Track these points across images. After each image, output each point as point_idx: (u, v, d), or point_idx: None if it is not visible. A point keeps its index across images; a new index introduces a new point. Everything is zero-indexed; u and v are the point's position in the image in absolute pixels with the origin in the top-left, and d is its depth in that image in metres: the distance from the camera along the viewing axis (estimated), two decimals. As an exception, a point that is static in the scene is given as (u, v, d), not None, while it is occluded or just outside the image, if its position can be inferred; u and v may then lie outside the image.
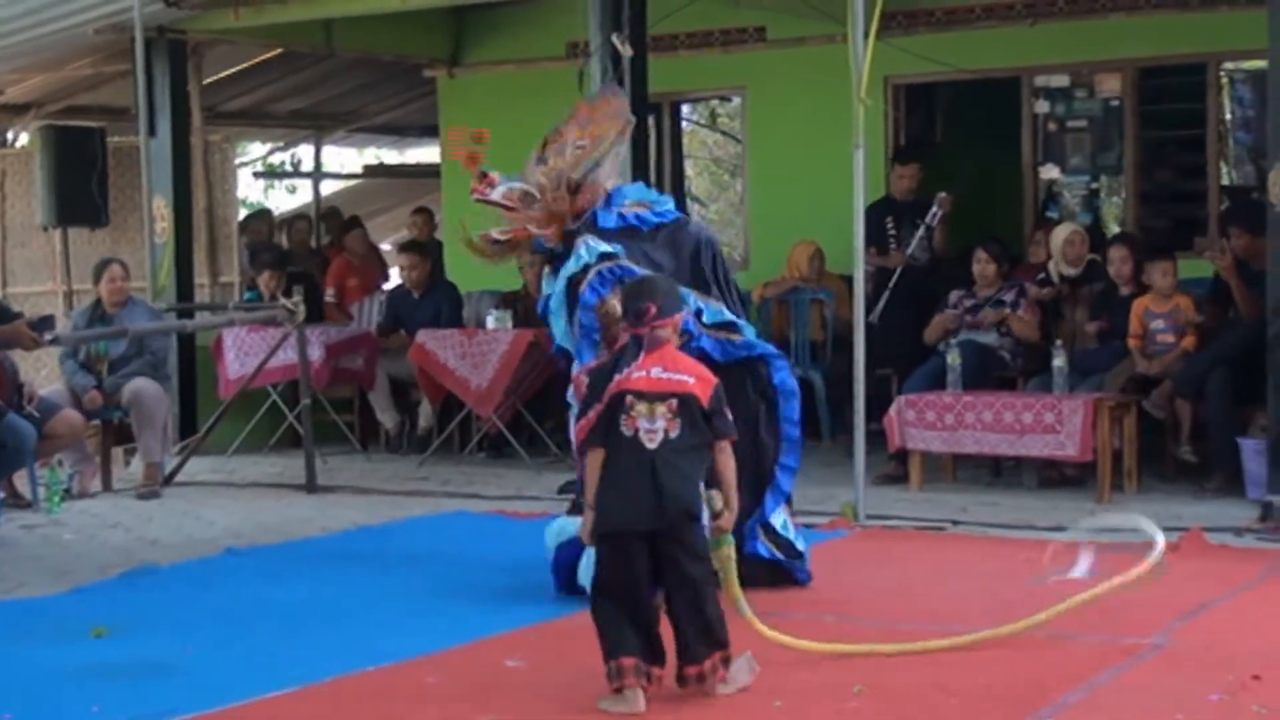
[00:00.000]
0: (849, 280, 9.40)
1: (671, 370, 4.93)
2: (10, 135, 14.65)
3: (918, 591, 6.60)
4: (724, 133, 19.22)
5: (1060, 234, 10.23)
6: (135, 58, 11.05)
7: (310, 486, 9.78)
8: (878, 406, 9.05)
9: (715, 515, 5.00)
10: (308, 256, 13.50)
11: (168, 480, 9.98)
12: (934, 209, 10.26)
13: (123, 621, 6.18)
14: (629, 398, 4.90)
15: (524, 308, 10.97)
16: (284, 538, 8.19)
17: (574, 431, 5.10)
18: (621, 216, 6.55)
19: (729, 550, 5.12)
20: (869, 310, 9.10)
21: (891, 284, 10.11)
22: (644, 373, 4.93)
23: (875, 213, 10.42)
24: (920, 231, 10.29)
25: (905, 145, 11.26)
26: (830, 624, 5.96)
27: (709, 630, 4.87)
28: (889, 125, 11.69)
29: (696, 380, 4.94)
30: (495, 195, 6.49)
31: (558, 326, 6.51)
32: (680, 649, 4.88)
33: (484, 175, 6.55)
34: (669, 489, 4.81)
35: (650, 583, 4.88)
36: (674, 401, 4.88)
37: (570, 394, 6.31)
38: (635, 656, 4.78)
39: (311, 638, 5.96)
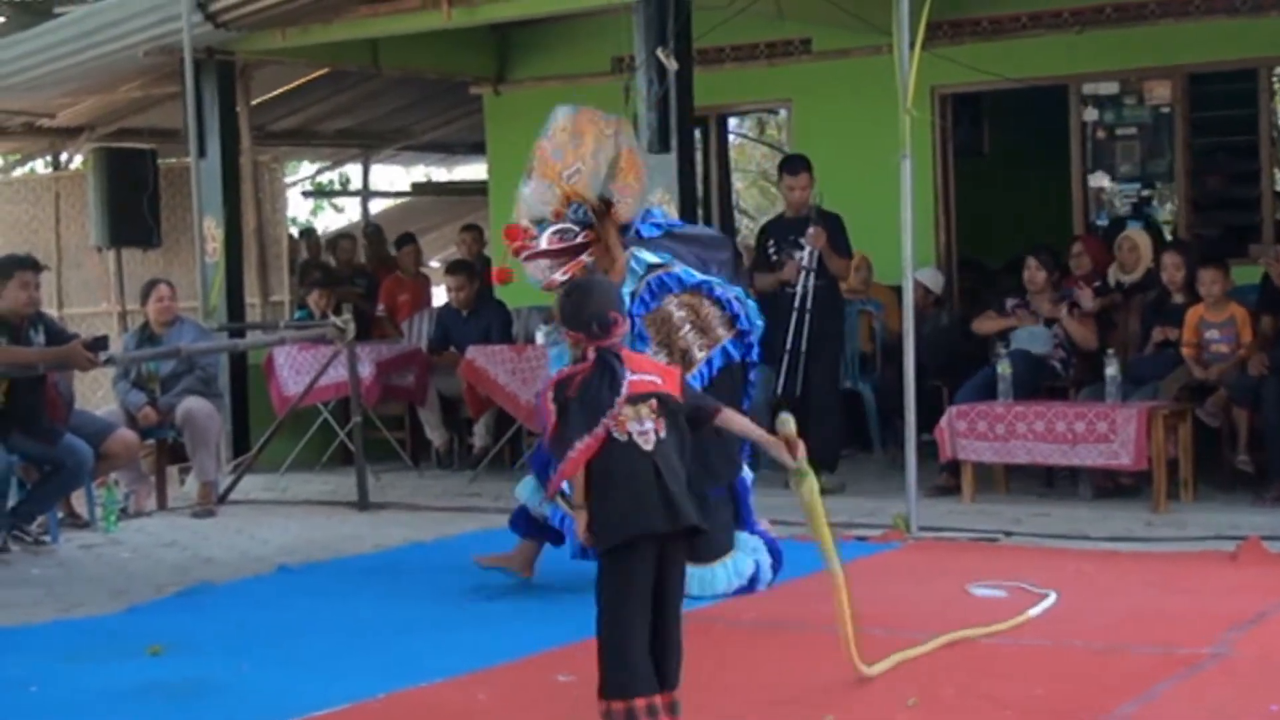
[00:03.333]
0: (898, 291, 9.39)
1: (640, 372, 4.69)
2: (64, 158, 14.80)
3: (970, 604, 6.56)
4: (770, 145, 19.21)
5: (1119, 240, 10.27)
6: (184, 79, 11.13)
7: (362, 504, 9.82)
8: (928, 418, 9.02)
9: (790, 439, 4.91)
10: (354, 275, 13.58)
11: (222, 498, 10.04)
12: (807, 248, 9.44)
13: (178, 640, 6.22)
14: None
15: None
16: (336, 555, 8.22)
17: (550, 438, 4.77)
18: (657, 226, 6.87)
19: (812, 484, 5.02)
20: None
21: (793, 326, 9.36)
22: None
23: (762, 234, 10.12)
24: (801, 275, 9.42)
25: (794, 154, 10.35)
26: (881, 637, 5.92)
27: (680, 659, 4.63)
28: (936, 135, 11.66)
29: (663, 378, 4.74)
30: (543, 243, 6.62)
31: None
32: (666, 671, 4.60)
33: (521, 230, 6.70)
34: (677, 491, 4.61)
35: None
36: (654, 401, 4.66)
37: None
38: (646, 696, 4.53)
39: (364, 654, 5.98)
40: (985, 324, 9.98)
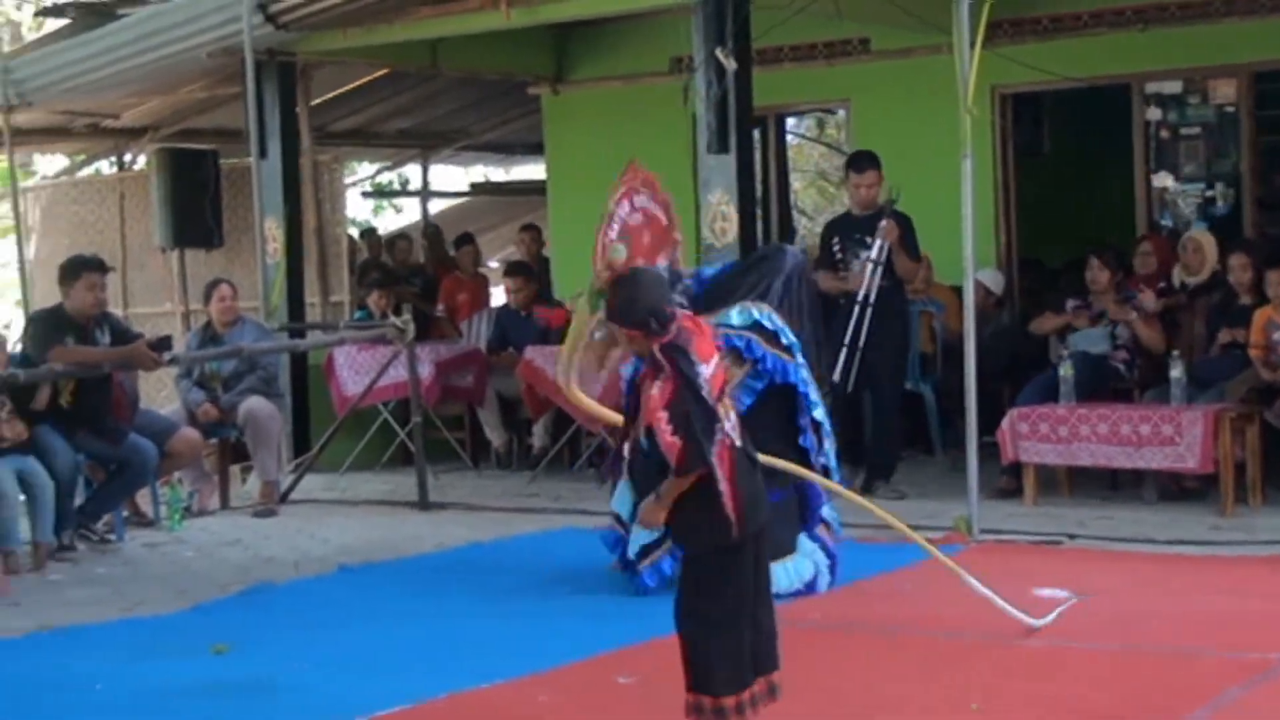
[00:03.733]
0: (959, 291, 9.33)
1: (706, 362, 4.51)
2: (128, 158, 14.92)
3: (1033, 606, 6.50)
4: (829, 145, 19.14)
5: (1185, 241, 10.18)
6: (246, 80, 11.19)
7: (422, 503, 9.84)
8: (990, 419, 8.95)
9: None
10: (410, 275, 13.63)
11: (283, 498, 10.09)
12: (878, 241, 9.22)
13: (241, 639, 6.26)
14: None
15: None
16: (396, 555, 8.24)
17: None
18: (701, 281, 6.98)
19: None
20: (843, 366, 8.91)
21: (854, 320, 9.05)
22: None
23: (826, 231, 9.82)
24: (869, 269, 9.20)
25: (862, 150, 10.02)
26: (944, 641, 5.90)
27: (778, 640, 4.68)
28: (997, 135, 11.57)
29: (717, 356, 4.60)
30: None
31: None
32: (762, 656, 4.62)
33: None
34: (761, 481, 4.62)
35: None
36: (726, 397, 4.61)
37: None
38: (750, 686, 4.54)
39: (424, 655, 6.00)
40: (1043, 324, 9.91)
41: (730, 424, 4.53)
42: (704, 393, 4.44)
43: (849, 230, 9.54)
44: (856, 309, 9.19)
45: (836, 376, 8.96)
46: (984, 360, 8.41)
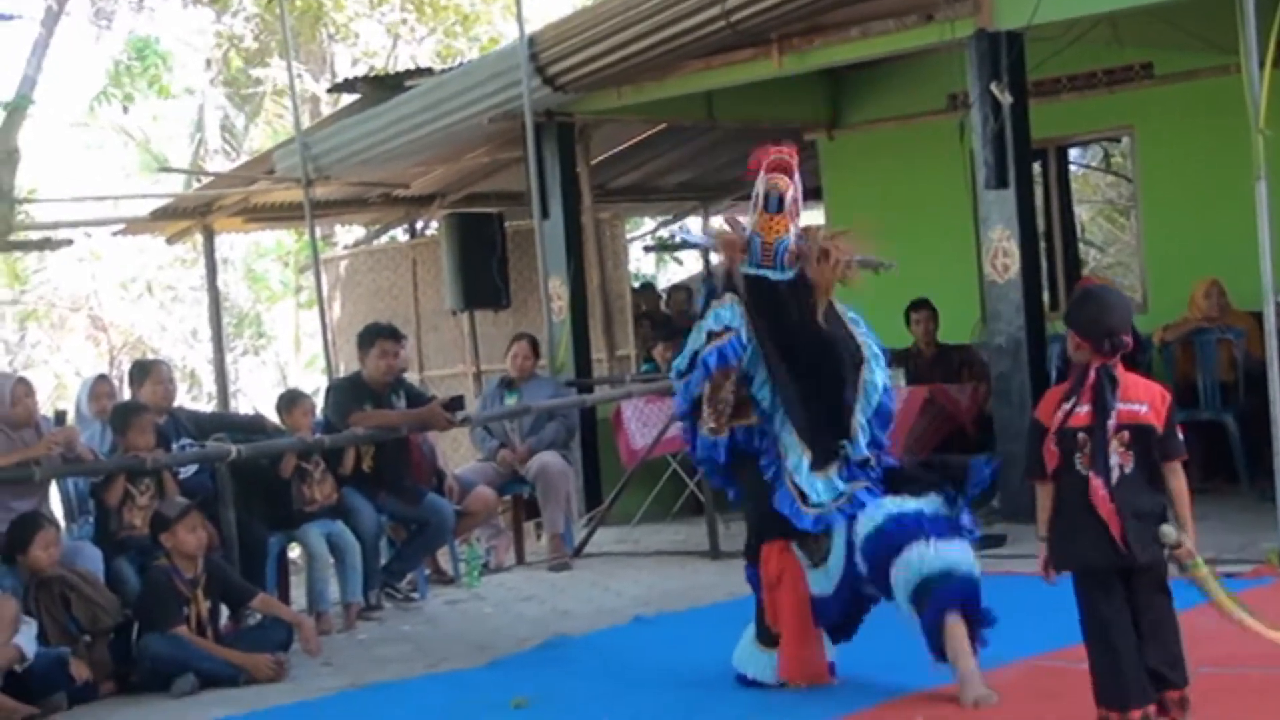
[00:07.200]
0: (1258, 317, 8.99)
1: (1128, 401, 4.83)
2: (419, 225, 15.43)
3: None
4: (1116, 173, 18.69)
5: None
6: (526, 143, 11.46)
7: (714, 553, 9.87)
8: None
9: (1174, 547, 4.86)
10: (690, 327, 13.70)
11: (577, 552, 10.24)
12: None
13: (541, 692, 6.36)
14: (1081, 435, 4.83)
15: (916, 365, 10.88)
16: (690, 605, 8.28)
17: None
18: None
19: (1202, 571, 4.96)
20: None
21: None
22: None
23: None
24: None
25: None
26: (1260, 676, 5.66)
27: (1176, 663, 4.87)
28: (1293, 153, 11.13)
29: (1150, 408, 4.83)
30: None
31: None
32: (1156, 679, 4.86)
33: None
34: (1131, 530, 4.76)
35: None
36: (1126, 434, 4.80)
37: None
38: (1141, 706, 4.77)
39: (721, 706, 6.00)
40: None
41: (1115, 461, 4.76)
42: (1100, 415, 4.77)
43: None
44: None
45: None
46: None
